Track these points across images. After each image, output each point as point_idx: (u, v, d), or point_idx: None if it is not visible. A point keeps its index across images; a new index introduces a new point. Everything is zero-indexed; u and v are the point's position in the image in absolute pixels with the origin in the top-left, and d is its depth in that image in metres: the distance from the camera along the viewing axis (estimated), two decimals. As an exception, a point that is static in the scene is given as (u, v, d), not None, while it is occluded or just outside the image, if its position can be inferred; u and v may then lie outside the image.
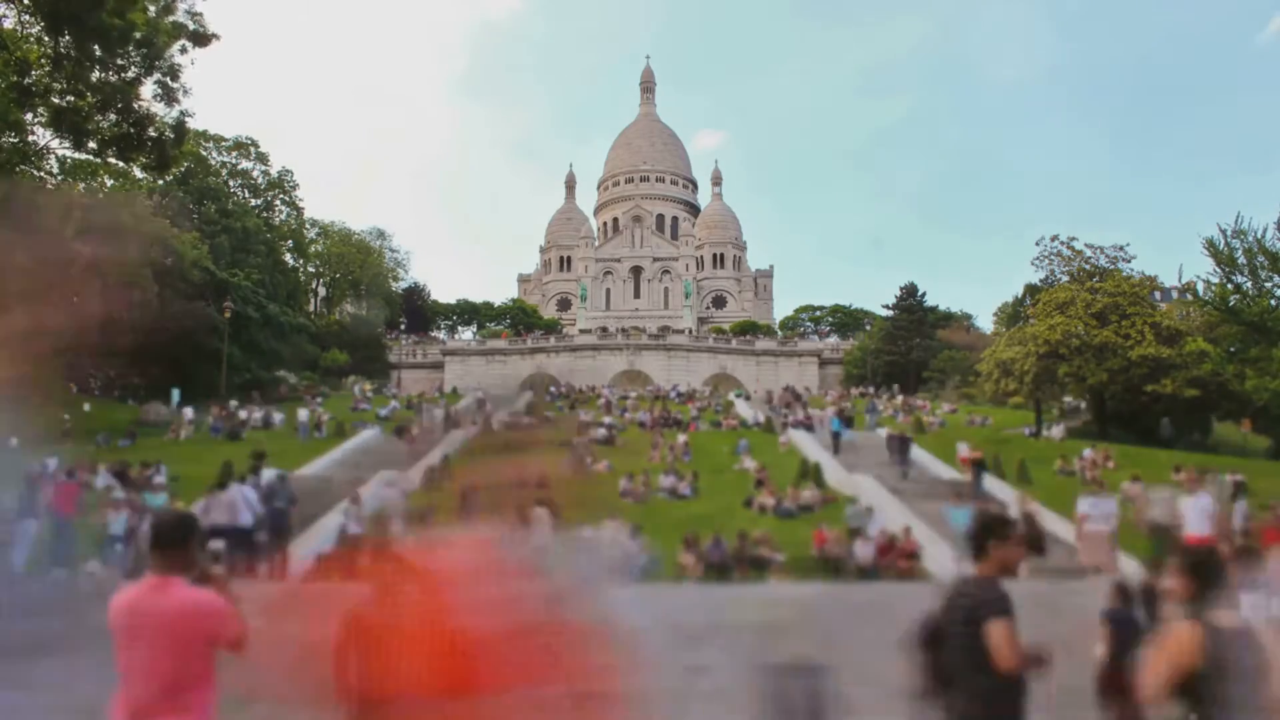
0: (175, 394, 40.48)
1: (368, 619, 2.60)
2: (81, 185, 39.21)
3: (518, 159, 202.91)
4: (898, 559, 14.66)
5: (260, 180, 64.12)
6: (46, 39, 17.77)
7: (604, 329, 72.43)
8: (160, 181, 47.77)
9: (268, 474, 15.15)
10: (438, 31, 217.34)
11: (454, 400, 47.25)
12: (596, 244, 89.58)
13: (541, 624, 2.66)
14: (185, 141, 19.82)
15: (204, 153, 57.23)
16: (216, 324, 42.30)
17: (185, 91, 18.37)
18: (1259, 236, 29.34)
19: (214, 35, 18.59)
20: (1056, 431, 33.93)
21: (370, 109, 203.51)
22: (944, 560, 14.58)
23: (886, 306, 67.13)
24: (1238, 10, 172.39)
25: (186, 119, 18.91)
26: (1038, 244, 43.73)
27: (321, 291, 74.35)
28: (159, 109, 18.13)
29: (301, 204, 69.07)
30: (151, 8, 17.46)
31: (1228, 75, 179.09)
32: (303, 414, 31.96)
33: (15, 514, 11.88)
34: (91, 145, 19.41)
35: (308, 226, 70.25)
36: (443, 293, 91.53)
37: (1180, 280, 35.86)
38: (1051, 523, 16.67)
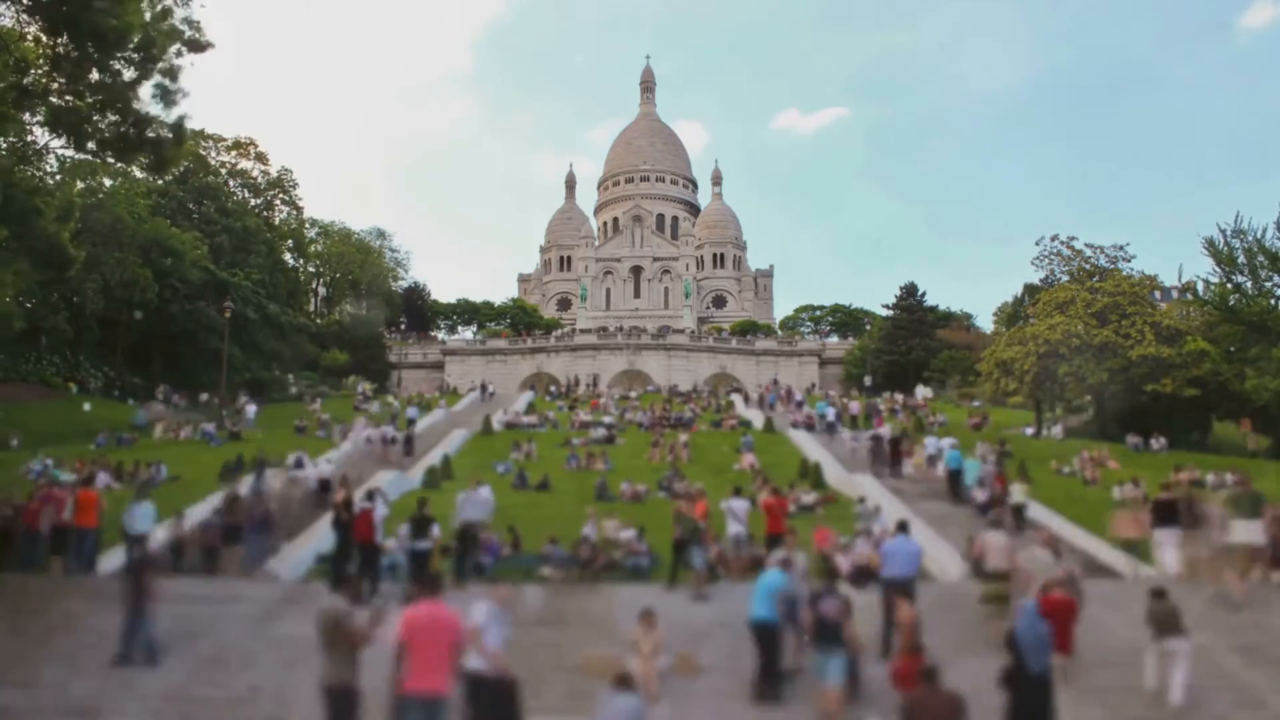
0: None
1: None
2: (80, 185, 39.26)
3: (518, 158, 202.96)
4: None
5: (260, 180, 64.15)
6: (45, 39, 17.74)
7: (604, 329, 72.41)
8: (160, 181, 47.79)
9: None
10: (437, 31, 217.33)
11: (454, 401, 46.75)
12: (596, 244, 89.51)
13: None
14: (184, 142, 19.73)
15: (203, 152, 57.25)
16: (216, 324, 42.31)
17: (184, 94, 18.34)
18: (1259, 236, 29.37)
19: (209, 44, 18.62)
20: (1057, 431, 33.93)
21: (370, 108, 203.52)
22: (944, 559, 14.59)
23: (886, 306, 67.14)
24: (1238, 10, 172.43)
25: (186, 120, 18.92)
26: (1038, 244, 43.70)
27: (321, 291, 74.35)
28: (158, 110, 18.10)
29: (301, 204, 69.16)
30: (148, 13, 17.43)
31: (1229, 75, 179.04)
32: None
33: None
34: (90, 145, 19.35)
35: (308, 226, 70.27)
36: (443, 292, 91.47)
37: (1180, 280, 35.86)
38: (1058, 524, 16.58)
